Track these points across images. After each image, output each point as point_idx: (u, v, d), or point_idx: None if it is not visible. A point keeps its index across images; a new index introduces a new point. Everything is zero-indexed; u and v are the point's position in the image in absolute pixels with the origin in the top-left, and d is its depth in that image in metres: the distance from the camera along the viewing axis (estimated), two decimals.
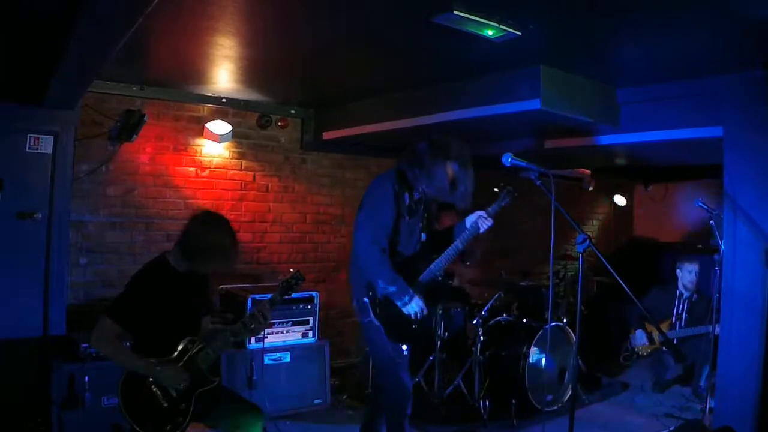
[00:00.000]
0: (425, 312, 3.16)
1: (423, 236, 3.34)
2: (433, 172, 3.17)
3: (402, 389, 3.25)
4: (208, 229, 2.89)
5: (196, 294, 3.01)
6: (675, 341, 4.99)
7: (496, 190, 3.30)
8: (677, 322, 5.19)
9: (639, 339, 5.21)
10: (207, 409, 2.90)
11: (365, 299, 3.15)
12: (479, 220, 3.25)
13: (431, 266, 3.25)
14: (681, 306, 5.23)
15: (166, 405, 2.77)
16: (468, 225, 3.29)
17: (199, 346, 2.88)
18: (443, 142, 3.23)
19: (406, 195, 3.20)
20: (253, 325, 2.94)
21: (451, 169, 3.21)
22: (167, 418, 2.77)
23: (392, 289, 3.05)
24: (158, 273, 2.90)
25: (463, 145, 3.25)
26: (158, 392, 2.76)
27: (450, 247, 3.26)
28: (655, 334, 5.15)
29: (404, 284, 3.09)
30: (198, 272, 2.97)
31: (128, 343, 2.90)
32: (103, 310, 2.81)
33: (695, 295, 5.19)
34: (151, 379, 2.76)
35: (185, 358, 2.84)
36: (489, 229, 3.27)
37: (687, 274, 5.21)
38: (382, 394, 3.38)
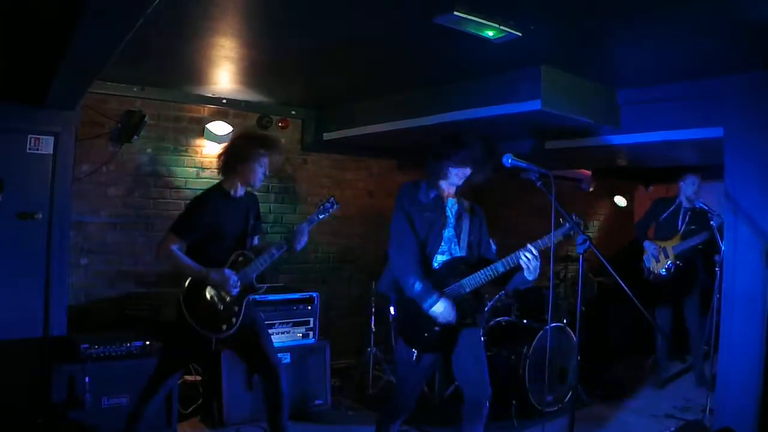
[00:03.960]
0: (452, 321, 2.97)
1: (462, 246, 3.13)
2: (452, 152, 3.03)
3: (400, 396, 3.15)
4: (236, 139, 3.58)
5: (246, 216, 3.47)
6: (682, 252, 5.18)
7: (561, 220, 2.82)
8: (686, 235, 5.23)
9: (650, 250, 5.34)
10: (248, 326, 3.34)
11: (392, 296, 3.17)
12: (523, 250, 2.87)
13: (462, 280, 3.01)
14: (684, 218, 5.30)
15: (221, 308, 3.28)
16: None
17: (248, 257, 3.38)
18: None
19: (422, 195, 3.11)
20: (293, 240, 3.45)
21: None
22: (222, 319, 3.28)
23: (418, 288, 2.95)
24: (213, 195, 3.38)
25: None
26: (215, 298, 3.28)
27: (489, 267, 2.97)
28: (668, 247, 5.27)
29: (429, 286, 2.95)
30: (244, 181, 3.39)
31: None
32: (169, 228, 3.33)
33: (697, 203, 5.11)
34: (208, 287, 3.25)
35: (236, 268, 3.31)
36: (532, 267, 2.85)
37: (690, 186, 5.27)
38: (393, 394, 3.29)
